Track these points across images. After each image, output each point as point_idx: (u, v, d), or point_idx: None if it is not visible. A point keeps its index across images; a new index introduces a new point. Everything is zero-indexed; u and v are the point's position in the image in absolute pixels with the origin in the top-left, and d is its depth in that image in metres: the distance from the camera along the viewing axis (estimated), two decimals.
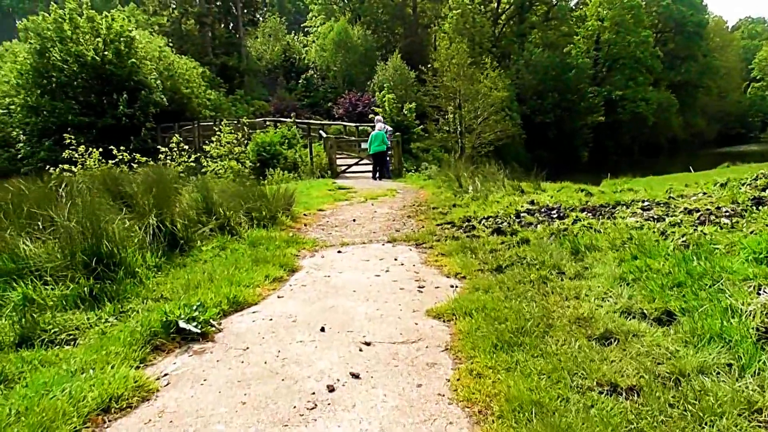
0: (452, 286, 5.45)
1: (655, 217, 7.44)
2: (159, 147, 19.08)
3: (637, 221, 7.31)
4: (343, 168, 20.55)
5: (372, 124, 25.19)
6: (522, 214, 8.63)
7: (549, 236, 7.14)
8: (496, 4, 49.80)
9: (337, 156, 21.01)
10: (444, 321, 4.45)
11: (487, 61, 40.33)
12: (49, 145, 28.81)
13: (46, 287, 5.14)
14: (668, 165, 43.73)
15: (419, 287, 5.45)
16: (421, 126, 37.50)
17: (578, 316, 4.20)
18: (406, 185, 16.36)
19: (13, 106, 30.59)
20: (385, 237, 8.13)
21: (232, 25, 52.81)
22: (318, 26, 51.29)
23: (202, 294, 5.13)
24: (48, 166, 17.19)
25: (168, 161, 18.05)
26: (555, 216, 8.38)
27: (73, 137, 17.71)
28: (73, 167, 16.28)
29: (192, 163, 18.71)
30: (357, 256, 6.97)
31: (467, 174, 13.28)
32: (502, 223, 8.38)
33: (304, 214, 10.38)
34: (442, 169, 15.78)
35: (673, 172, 34.08)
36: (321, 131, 24.09)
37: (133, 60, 31.52)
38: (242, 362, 3.81)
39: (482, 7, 47.90)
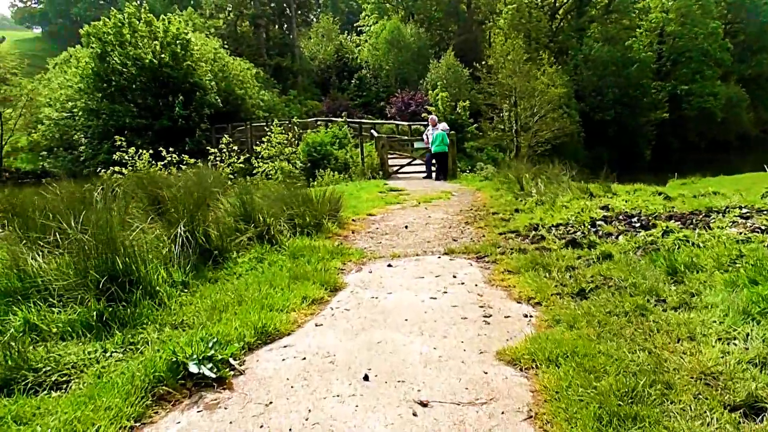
0: (526, 316, 4.45)
1: (762, 227, 6.22)
2: (208, 148, 18.57)
3: (741, 233, 6.12)
4: (395, 168, 19.65)
5: (425, 123, 24.24)
6: (598, 223, 7.50)
7: (635, 250, 6.05)
8: None
9: (389, 156, 20.13)
10: (521, 369, 3.45)
11: (544, 57, 38.64)
12: (107, 147, 29.01)
13: (53, 310, 4.42)
14: (738, 163, 41.04)
15: (485, 316, 4.46)
16: (475, 125, 36.29)
17: (702, 369, 3.15)
18: (462, 187, 15.31)
19: (75, 110, 31.01)
20: (441, 248, 7.16)
21: (285, 26, 52.74)
22: (371, 25, 50.55)
23: (226, 322, 4.31)
24: (103, 169, 17.01)
25: (217, 162, 17.54)
26: (637, 225, 7.22)
27: (123, 139, 17.39)
28: (124, 169, 15.98)
29: (241, 165, 18.16)
30: (409, 271, 6.03)
31: (529, 175, 12.14)
32: (576, 232, 7.29)
33: (353, 220, 9.52)
34: (500, 169, 14.65)
35: (744, 171, 31.76)
36: (373, 130, 23.26)
37: (189, 62, 31.54)
38: (261, 427, 2.92)
39: (539, 1, 46.18)
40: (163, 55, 30.65)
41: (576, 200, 9.94)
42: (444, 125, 18.78)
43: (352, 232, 8.51)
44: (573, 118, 39.82)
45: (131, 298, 4.64)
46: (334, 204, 9.13)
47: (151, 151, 16.74)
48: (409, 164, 19.96)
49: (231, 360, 3.62)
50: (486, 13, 48.92)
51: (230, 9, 47.02)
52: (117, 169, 15.57)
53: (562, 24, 48.14)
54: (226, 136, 18.98)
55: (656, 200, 9.71)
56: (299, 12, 52.69)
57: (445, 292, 5.17)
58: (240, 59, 39.13)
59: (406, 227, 8.74)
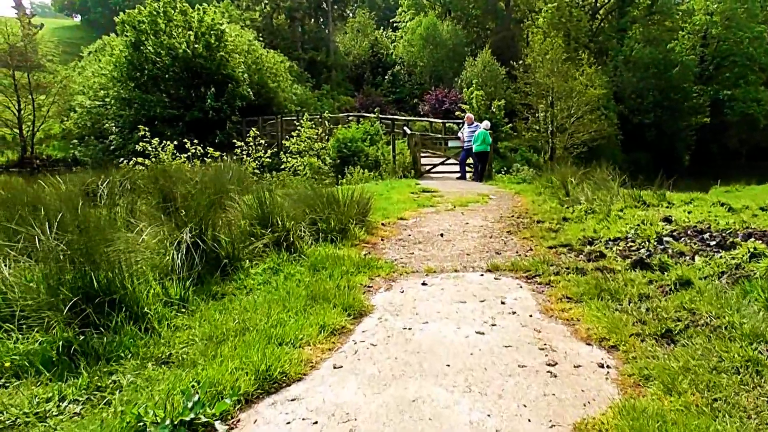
0: (602, 366, 3.44)
1: None
2: (234, 141, 17.80)
3: None
4: (428, 168, 18.64)
5: (459, 121, 23.14)
6: (665, 239, 6.41)
7: (718, 276, 4.98)
8: None
9: (422, 155, 19.12)
10: None
11: (583, 57, 37.12)
12: (138, 137, 28.51)
13: (12, 336, 3.57)
14: None
15: (548, 364, 3.46)
16: (510, 124, 35.04)
17: None
18: (499, 189, 14.25)
19: (108, 98, 30.61)
20: (483, 263, 6.16)
21: (321, 20, 52.00)
22: (407, 21, 49.46)
23: (222, 360, 3.40)
24: (134, 158, 16.36)
25: (244, 156, 16.77)
26: (713, 244, 6.11)
27: (147, 129, 16.71)
28: (147, 160, 15.30)
29: (268, 159, 17.35)
30: (448, 292, 5.06)
31: (575, 179, 11.03)
32: (640, 249, 6.21)
33: (382, 224, 8.56)
34: (542, 172, 13.52)
35: None
36: (405, 128, 22.25)
37: (222, 53, 30.92)
38: None
39: (580, 0, 44.50)
40: (196, 46, 30.09)
41: (630, 209, 8.82)
42: (486, 123, 17.69)
43: (381, 240, 7.56)
44: (611, 120, 38.22)
45: (111, 322, 3.76)
46: (363, 206, 8.18)
47: (176, 143, 16.04)
48: (442, 163, 18.92)
49: (217, 425, 2.69)
50: (525, 12, 47.42)
51: (266, 1, 46.32)
52: (140, 160, 14.88)
53: (602, 24, 46.38)
54: (253, 129, 18.16)
55: (720, 212, 8.56)
56: (335, 6, 51.83)
57: (494, 325, 4.18)
58: (274, 52, 38.42)
59: (442, 235, 7.76)
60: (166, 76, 30.25)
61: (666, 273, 5.20)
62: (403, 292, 5.15)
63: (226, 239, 5.66)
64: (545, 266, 5.71)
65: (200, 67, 30.44)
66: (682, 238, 6.45)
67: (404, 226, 8.61)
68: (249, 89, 32.27)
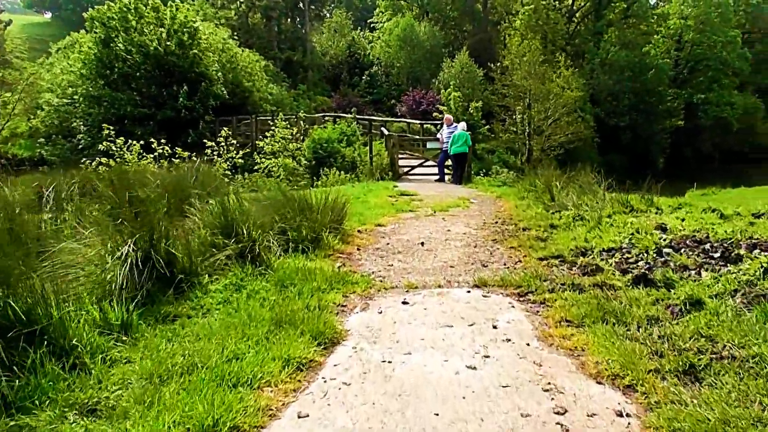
0: (621, 415, 2.84)
1: None
2: (204, 141, 17.02)
3: None
4: (406, 169, 18.07)
5: (437, 122, 22.63)
6: (665, 250, 5.89)
7: (731, 295, 4.46)
8: (571, 1, 46.02)
9: (400, 156, 18.53)
10: None
11: (560, 59, 36.93)
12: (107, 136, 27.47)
13: None
14: (752, 174, 39.32)
15: (557, 412, 2.87)
16: (487, 126, 34.65)
17: None
18: (479, 193, 13.72)
19: (76, 96, 29.44)
20: (470, 276, 5.58)
21: (298, 19, 51.14)
22: (384, 22, 48.83)
23: (160, 411, 2.74)
24: (103, 158, 15.45)
25: (215, 157, 16.00)
26: (716, 256, 5.61)
27: (112, 128, 15.87)
28: (112, 161, 14.48)
29: (241, 160, 16.60)
30: (432, 313, 4.46)
31: (560, 183, 10.52)
32: (638, 261, 5.69)
33: (358, 231, 7.94)
34: (524, 175, 12.97)
35: (759, 183, 30.02)
36: (383, 128, 21.64)
37: (196, 51, 29.98)
38: None
39: (557, 3, 44.32)
40: (169, 43, 29.10)
41: (619, 215, 8.32)
42: (463, 125, 17.14)
43: (358, 249, 6.93)
44: (587, 123, 38.10)
45: (27, 359, 3.08)
46: (338, 212, 7.55)
47: (142, 142, 15.22)
48: (420, 165, 18.36)
49: None
50: (502, 14, 47.18)
51: (242, 0, 45.38)
52: (104, 160, 14.05)
53: (579, 27, 46.30)
54: (225, 129, 17.40)
55: (713, 219, 8.09)
56: (312, 6, 51.01)
57: (487, 356, 3.59)
58: (249, 51, 37.51)
59: (423, 244, 7.16)
60: (137, 74, 29.21)
61: (672, 290, 4.67)
62: (381, 312, 4.53)
63: (183, 251, 5.00)
64: (538, 281, 5.15)
65: (173, 65, 29.47)
66: (683, 250, 5.93)
67: (382, 233, 7.99)
68: (223, 88, 31.38)
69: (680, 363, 3.28)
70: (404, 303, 4.75)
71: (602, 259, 5.96)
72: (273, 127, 20.13)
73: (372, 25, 51.68)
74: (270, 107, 34.85)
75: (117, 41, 28.80)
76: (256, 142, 21.30)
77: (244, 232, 5.76)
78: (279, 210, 6.78)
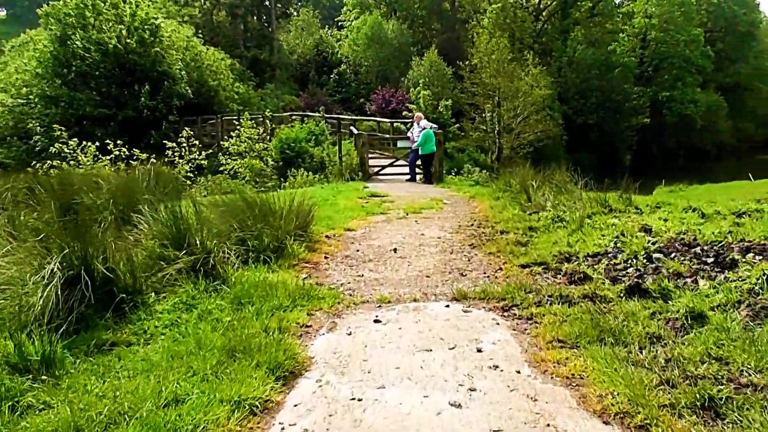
0: None
1: None
2: (165, 143, 16.21)
3: None
4: (377, 169, 17.53)
5: (409, 121, 22.16)
6: (655, 256, 5.47)
7: (734, 307, 4.05)
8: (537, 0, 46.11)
9: (370, 156, 17.99)
10: None
11: (528, 58, 36.84)
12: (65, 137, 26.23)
13: None
14: (715, 171, 39.87)
15: None
16: (457, 125, 34.33)
17: None
18: (452, 193, 13.26)
19: (32, 96, 28.14)
20: (447, 287, 5.08)
21: (264, 17, 50.12)
22: (352, 20, 48.19)
23: None
24: (60, 161, 14.51)
25: (176, 158, 15.24)
26: (710, 261, 5.21)
27: (63, 129, 15.01)
28: (65, 164, 13.63)
29: (204, 161, 15.86)
30: (408, 334, 3.93)
31: (536, 183, 10.10)
32: (627, 268, 5.27)
33: (327, 237, 7.38)
34: (498, 174, 12.54)
35: (722, 179, 30.33)
36: (352, 127, 21.06)
37: (158, 49, 28.93)
38: None
39: (524, 1, 44.30)
40: (129, 41, 27.97)
41: (599, 216, 7.93)
42: (430, 123, 16.65)
43: (325, 257, 6.37)
44: (556, 121, 38.10)
45: None
46: (304, 217, 6.98)
47: (98, 144, 14.39)
48: (391, 165, 17.83)
49: None
50: (470, 12, 46.94)
51: None
52: (56, 163, 13.21)
53: (546, 26, 46.35)
54: (186, 129, 16.62)
55: (694, 219, 7.75)
56: (279, 4, 50.07)
57: (473, 389, 3.08)
58: (214, 49, 36.47)
59: (395, 250, 6.63)
60: (96, 72, 28.04)
61: (670, 302, 4.25)
62: (350, 333, 4.00)
63: (124, 267, 4.39)
64: (522, 293, 4.67)
65: (134, 64, 28.38)
66: (673, 254, 5.52)
67: (352, 238, 7.44)
68: (187, 87, 30.37)
69: (697, 396, 2.81)
70: (376, 321, 4.22)
71: (588, 266, 5.52)
72: (238, 127, 19.38)
73: (340, 24, 51.04)
74: (237, 107, 33.94)
75: (74, 39, 27.58)
76: (221, 142, 20.51)
77: (198, 242, 5.17)
78: (239, 216, 6.19)
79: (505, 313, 4.36)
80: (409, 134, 17.33)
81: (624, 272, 5.20)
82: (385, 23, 44.41)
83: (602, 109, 42.04)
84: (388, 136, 22.92)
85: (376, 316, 4.31)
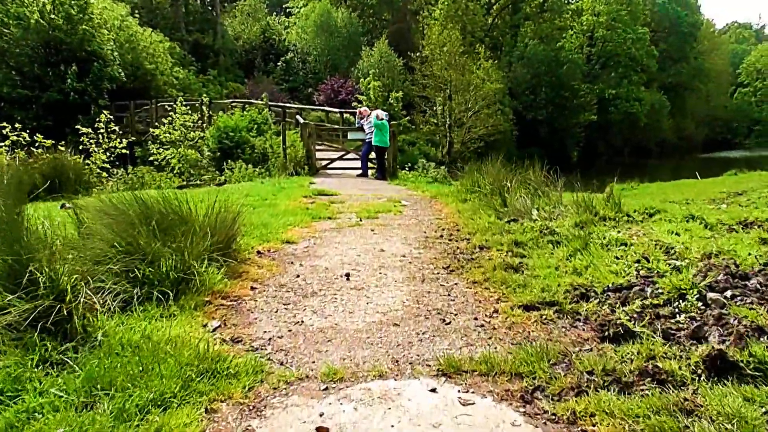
0: None
1: None
2: (78, 128, 13.90)
3: None
4: (325, 163, 15.71)
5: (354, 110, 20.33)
6: (710, 296, 3.90)
7: None
8: None
9: (318, 148, 16.13)
10: None
11: (480, 51, 35.64)
12: None
13: None
14: (658, 169, 39.86)
15: None
16: (408, 117, 32.75)
17: None
18: (410, 191, 11.61)
19: None
20: (427, 348, 3.36)
21: (208, 0, 47.07)
22: (300, 7, 45.80)
23: None
24: None
25: (92, 147, 12.98)
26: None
27: None
28: None
29: (125, 149, 13.63)
30: None
31: (511, 184, 8.53)
32: (677, 314, 3.68)
33: (258, 253, 5.55)
34: (464, 173, 10.87)
35: (667, 177, 29.95)
36: (298, 116, 19.08)
37: (86, 27, 26.03)
38: None
39: None
40: (53, 16, 25.04)
41: (593, 228, 6.39)
42: (381, 113, 14.88)
43: (253, 288, 4.55)
44: (507, 116, 37.08)
45: None
46: (227, 229, 5.13)
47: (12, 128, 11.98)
48: (340, 158, 16.02)
49: None
50: (421, 3, 45.33)
51: None
52: None
53: (496, 20, 45.26)
54: (104, 113, 14.32)
55: (698, 230, 6.31)
56: None
57: None
58: (152, 31, 33.53)
59: (348, 276, 4.88)
60: (16, 50, 25.00)
61: None
62: None
63: None
64: (546, 365, 3.00)
65: (59, 42, 25.44)
66: (728, 291, 3.98)
67: (291, 255, 5.64)
68: (120, 70, 27.60)
69: None
70: (320, 429, 2.46)
71: (616, 307, 3.91)
72: (171, 113, 17.14)
73: (288, 10, 48.52)
74: (176, 92, 31.23)
75: None
76: (150, 129, 18.19)
77: (48, 278, 3.27)
78: (127, 231, 4.29)
79: (527, 407, 2.68)
80: (363, 125, 15.44)
81: (673, 321, 3.61)
82: (335, 11, 42.36)
83: (552, 105, 41.36)
84: (337, 126, 20.99)
85: (321, 416, 2.56)
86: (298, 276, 4.90)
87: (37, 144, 10.77)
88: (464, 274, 4.97)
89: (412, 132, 34.12)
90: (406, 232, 6.86)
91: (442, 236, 6.63)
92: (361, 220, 7.59)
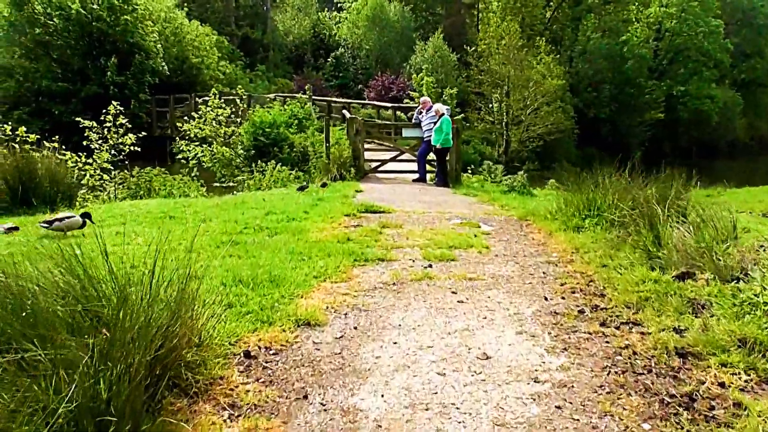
0: None
1: None
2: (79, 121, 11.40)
3: None
4: (374, 165, 12.79)
5: (413, 106, 17.35)
6: None
7: None
8: None
9: (367, 147, 13.24)
10: None
11: (540, 45, 32.08)
12: (19, 115, 21.25)
13: None
14: (728, 171, 35.38)
15: None
16: (462, 115, 29.58)
17: None
18: (484, 204, 8.61)
19: None
20: None
21: None
22: (352, 2, 43.00)
23: None
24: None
25: (96, 144, 10.46)
26: None
27: None
28: None
29: (137, 148, 11.07)
30: None
31: (661, 210, 5.40)
32: None
33: (246, 355, 2.70)
34: (567, 186, 7.56)
35: (736, 179, 26.01)
36: (345, 111, 16.21)
37: (129, 17, 23.94)
38: None
39: None
40: (95, 6, 23.02)
41: None
42: (442, 107, 11.87)
43: None
44: (568, 114, 33.30)
45: None
46: (178, 325, 2.30)
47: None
48: (393, 159, 13.03)
49: None
50: None
51: None
52: None
53: (557, 13, 41.28)
54: (114, 104, 11.78)
55: None
56: None
57: None
58: (198, 23, 31.32)
59: None
60: (58, 42, 23.11)
61: None
62: None
63: None
64: None
65: (101, 33, 23.46)
66: None
67: (308, 367, 2.75)
68: (164, 63, 25.47)
69: None
70: None
71: None
72: (202, 107, 14.62)
73: (339, 5, 45.79)
74: (222, 87, 29.01)
75: (34, 3, 22.62)
76: (176, 123, 15.70)
77: None
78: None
79: None
80: (420, 120, 12.41)
81: None
82: (387, 5, 39.41)
83: (615, 102, 37.21)
84: (390, 122, 17.91)
85: None
86: None
87: (17, 139, 8.21)
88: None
89: (466, 130, 30.98)
90: (513, 298, 3.87)
91: (582, 311, 3.60)
92: (430, 266, 4.65)
